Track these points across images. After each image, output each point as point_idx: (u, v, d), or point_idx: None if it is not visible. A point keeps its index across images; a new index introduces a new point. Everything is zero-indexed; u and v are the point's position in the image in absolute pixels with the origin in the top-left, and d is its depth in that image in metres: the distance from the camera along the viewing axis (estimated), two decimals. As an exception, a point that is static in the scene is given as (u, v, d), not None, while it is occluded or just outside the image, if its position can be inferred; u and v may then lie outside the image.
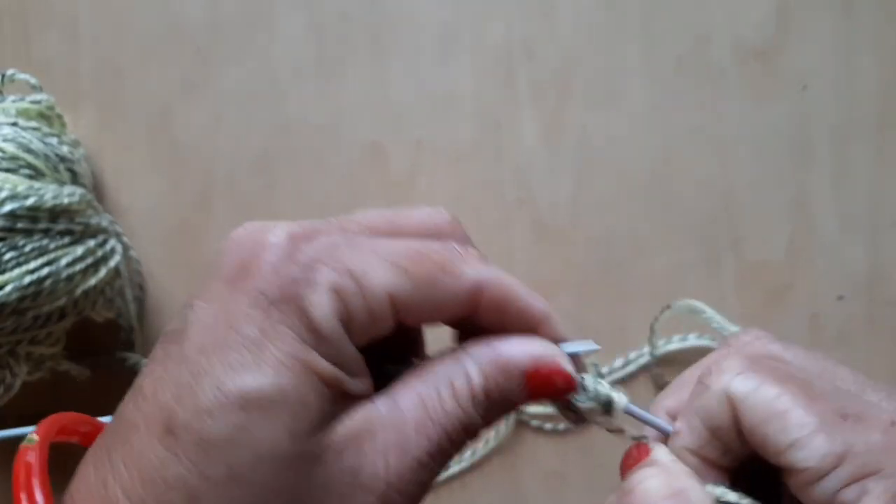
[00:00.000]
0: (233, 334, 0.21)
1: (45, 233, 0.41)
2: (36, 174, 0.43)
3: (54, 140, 0.45)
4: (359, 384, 0.23)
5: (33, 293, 0.40)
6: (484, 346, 0.24)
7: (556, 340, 0.25)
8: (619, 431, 0.27)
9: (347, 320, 0.22)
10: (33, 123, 0.45)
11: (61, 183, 0.44)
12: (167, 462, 0.20)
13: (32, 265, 0.40)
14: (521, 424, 0.49)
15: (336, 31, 0.50)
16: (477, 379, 0.24)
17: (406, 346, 0.27)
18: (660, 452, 0.27)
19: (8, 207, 0.40)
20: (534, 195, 0.49)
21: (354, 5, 0.50)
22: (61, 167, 0.45)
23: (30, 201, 0.41)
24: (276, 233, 0.23)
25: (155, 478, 0.21)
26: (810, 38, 0.48)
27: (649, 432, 0.29)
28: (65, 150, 0.45)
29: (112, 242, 0.46)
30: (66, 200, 0.42)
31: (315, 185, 0.50)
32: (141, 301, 0.50)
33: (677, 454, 0.27)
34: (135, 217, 0.50)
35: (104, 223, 0.46)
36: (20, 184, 0.41)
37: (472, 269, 0.24)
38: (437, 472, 0.23)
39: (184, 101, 0.50)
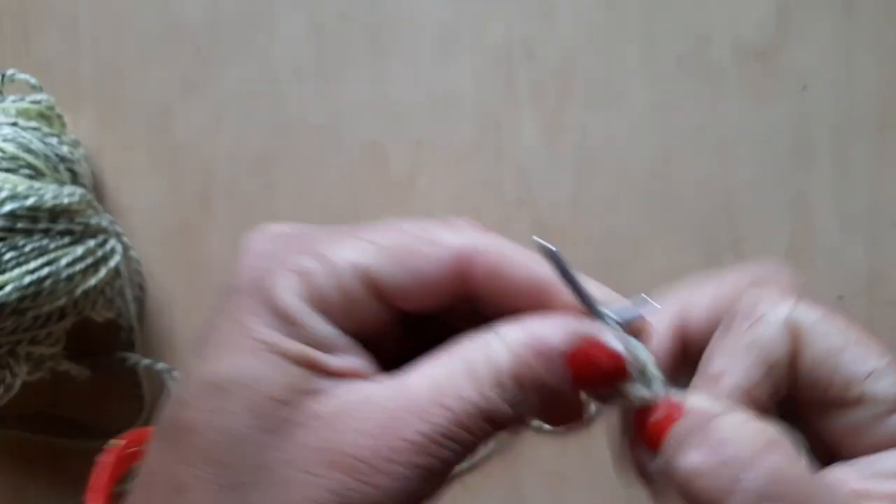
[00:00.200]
0: (212, 332, 0.22)
1: (45, 233, 0.41)
2: (36, 174, 0.43)
3: (54, 140, 0.45)
4: (341, 361, 0.22)
5: (33, 293, 0.40)
6: (515, 324, 0.22)
7: (589, 306, 0.23)
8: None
9: (318, 300, 0.22)
10: (33, 123, 0.45)
11: (61, 183, 0.44)
12: (159, 456, 0.22)
13: (32, 265, 0.40)
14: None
15: (336, 31, 0.50)
16: (505, 363, 0.22)
17: None
18: (699, 400, 0.23)
19: (8, 207, 0.40)
20: (534, 195, 0.49)
21: (354, 5, 0.50)
22: (61, 167, 0.45)
23: (30, 201, 0.41)
24: (258, 236, 0.23)
25: (152, 471, 0.22)
26: (810, 38, 0.48)
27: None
28: (65, 150, 0.45)
29: (112, 242, 0.46)
30: (66, 200, 0.42)
31: (315, 185, 0.50)
32: (141, 301, 0.50)
33: (721, 397, 0.23)
34: (135, 217, 0.50)
35: (104, 223, 0.46)
36: (20, 184, 0.41)
37: (457, 236, 0.23)
38: (447, 459, 0.21)
39: (184, 101, 0.50)
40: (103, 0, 0.51)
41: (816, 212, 0.48)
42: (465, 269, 0.23)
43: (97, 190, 0.50)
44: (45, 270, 0.41)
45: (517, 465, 0.49)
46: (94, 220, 0.44)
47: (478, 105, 0.49)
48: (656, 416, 0.22)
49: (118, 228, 0.48)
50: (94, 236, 0.44)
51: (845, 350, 0.23)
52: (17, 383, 0.44)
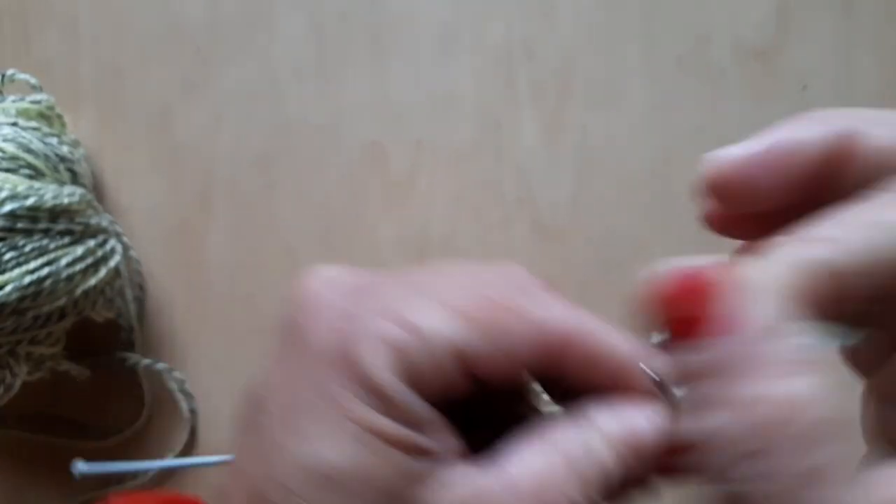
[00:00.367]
0: (301, 402, 0.20)
1: (45, 233, 0.41)
2: (36, 174, 0.43)
3: (54, 140, 0.45)
4: (438, 443, 0.20)
5: (33, 293, 0.40)
6: (613, 417, 0.21)
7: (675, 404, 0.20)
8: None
9: (411, 375, 0.20)
10: (33, 123, 0.45)
11: (61, 183, 0.44)
12: None
13: (32, 265, 0.40)
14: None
15: (336, 31, 0.50)
16: (613, 465, 0.20)
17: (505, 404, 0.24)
18: (767, 304, 0.16)
19: (8, 207, 0.40)
20: (534, 195, 0.49)
21: (354, 5, 0.50)
22: (61, 167, 0.45)
23: (30, 201, 0.41)
24: (318, 284, 0.22)
25: None
26: (810, 38, 0.48)
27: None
28: (65, 150, 0.45)
29: (112, 242, 0.46)
30: (66, 200, 0.42)
31: (315, 185, 0.50)
32: (141, 301, 0.50)
33: (811, 276, 0.17)
34: (135, 217, 0.50)
35: (104, 223, 0.46)
36: (20, 184, 0.41)
37: (548, 312, 0.21)
38: None
39: (184, 101, 0.50)
40: (103, 0, 0.51)
41: (816, 212, 0.48)
42: (556, 351, 0.21)
43: (97, 190, 0.50)
44: (45, 270, 0.41)
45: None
46: (94, 220, 0.44)
47: (478, 105, 0.49)
48: (693, 304, 0.17)
49: (118, 228, 0.48)
50: (94, 236, 0.44)
51: None
52: (17, 383, 0.44)
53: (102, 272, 0.44)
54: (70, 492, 0.49)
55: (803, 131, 0.21)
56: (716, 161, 0.22)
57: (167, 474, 0.50)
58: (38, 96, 0.47)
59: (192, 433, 0.50)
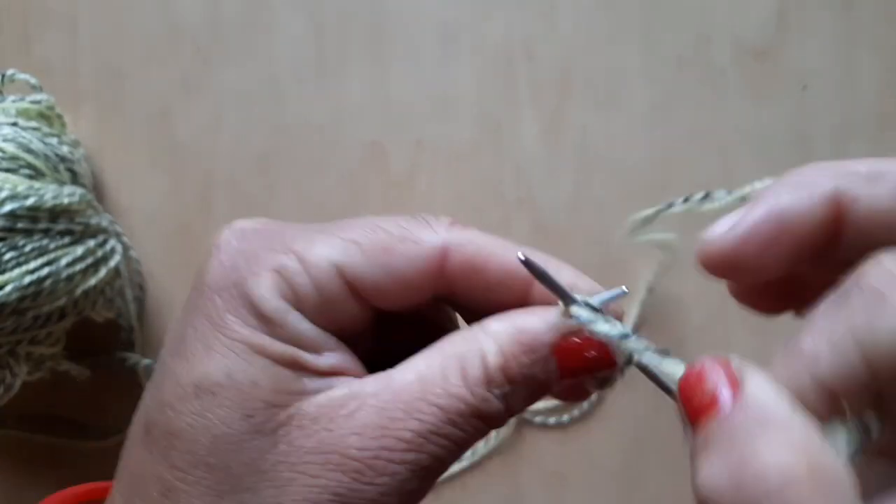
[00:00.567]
0: (189, 331, 0.22)
1: (45, 233, 0.41)
2: (36, 174, 0.43)
3: (54, 140, 0.45)
4: (326, 360, 0.22)
5: (33, 293, 0.40)
6: (501, 319, 0.22)
7: (566, 299, 0.22)
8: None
9: (296, 298, 0.22)
10: (33, 123, 0.45)
11: (61, 183, 0.44)
12: (144, 459, 0.22)
13: (32, 265, 0.40)
14: (523, 422, 0.49)
15: (336, 31, 0.50)
16: (494, 359, 0.21)
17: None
18: (761, 387, 0.18)
19: (8, 207, 0.40)
20: (534, 195, 0.49)
21: (354, 5, 0.50)
22: (61, 167, 0.45)
23: (30, 201, 0.41)
24: (229, 233, 0.23)
25: (137, 475, 0.22)
26: (810, 38, 0.48)
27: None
28: (65, 150, 0.45)
29: (112, 242, 0.46)
30: (66, 200, 0.42)
31: (315, 185, 0.50)
32: (141, 301, 0.50)
33: (798, 387, 0.18)
34: (135, 217, 0.50)
35: (104, 223, 0.46)
36: (20, 184, 0.41)
37: (435, 235, 0.23)
38: (439, 456, 0.21)
39: (184, 101, 0.50)
40: (103, 0, 0.51)
41: (816, 212, 0.48)
42: (441, 267, 0.23)
43: (97, 190, 0.50)
44: (45, 270, 0.41)
45: (517, 465, 0.49)
46: (94, 220, 0.44)
47: (478, 105, 0.49)
48: (703, 394, 0.18)
49: (118, 228, 0.48)
50: (94, 236, 0.44)
51: None
52: (17, 383, 0.44)
53: (102, 272, 0.44)
54: (70, 492, 0.49)
55: (792, 200, 0.21)
56: (708, 242, 0.23)
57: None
58: (38, 96, 0.47)
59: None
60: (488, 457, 0.49)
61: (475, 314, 0.24)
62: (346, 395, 0.21)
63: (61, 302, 0.42)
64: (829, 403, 0.18)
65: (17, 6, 0.51)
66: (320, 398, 0.21)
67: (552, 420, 0.49)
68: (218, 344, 0.21)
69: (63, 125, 0.48)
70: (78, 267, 0.42)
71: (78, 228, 0.43)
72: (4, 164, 0.42)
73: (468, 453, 0.48)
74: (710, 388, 0.18)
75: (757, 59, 0.48)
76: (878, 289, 0.18)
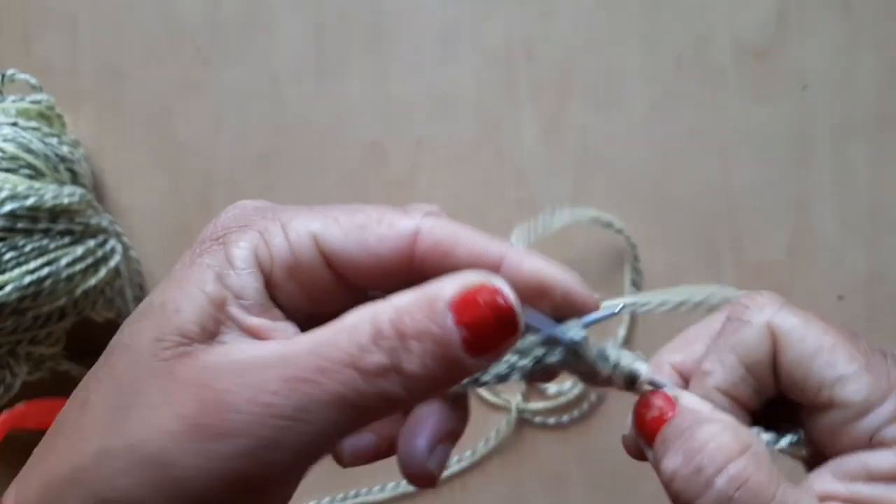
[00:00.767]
0: (177, 280, 0.23)
1: (45, 233, 0.41)
2: (36, 174, 0.43)
3: (54, 140, 0.45)
4: (253, 320, 0.23)
5: (33, 293, 0.40)
6: (410, 290, 0.22)
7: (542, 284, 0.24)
8: (634, 390, 0.26)
9: (269, 259, 0.23)
10: (33, 123, 0.45)
11: (61, 183, 0.44)
12: (86, 376, 0.24)
13: (32, 265, 0.40)
14: (523, 422, 0.49)
15: (336, 31, 0.50)
16: (385, 314, 0.21)
17: None
18: (690, 399, 0.25)
19: (8, 207, 0.40)
20: (534, 195, 0.49)
21: (354, 5, 0.50)
22: (61, 167, 0.45)
23: (30, 201, 0.41)
24: (232, 207, 0.25)
25: (76, 391, 0.24)
26: (810, 38, 0.48)
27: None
28: (65, 150, 0.45)
29: (112, 242, 0.46)
30: (66, 200, 0.42)
31: (315, 185, 0.50)
32: (141, 301, 0.50)
33: (707, 395, 0.26)
34: (135, 217, 0.50)
35: (104, 223, 0.46)
36: (20, 184, 0.41)
37: (410, 220, 0.24)
38: (311, 410, 0.21)
39: (184, 101, 0.50)
40: (103, 0, 0.51)
41: (816, 211, 0.48)
42: (412, 249, 0.24)
43: (97, 190, 0.50)
44: (45, 270, 0.41)
45: (517, 465, 0.49)
46: (94, 220, 0.44)
47: (478, 105, 0.49)
48: (651, 412, 0.25)
49: (118, 228, 0.48)
50: (94, 236, 0.44)
51: (818, 355, 0.25)
52: (17, 383, 0.44)
53: (102, 272, 0.44)
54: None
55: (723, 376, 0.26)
56: (624, 441, 0.28)
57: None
58: (38, 96, 0.47)
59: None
60: (488, 457, 0.49)
61: None
62: (243, 347, 0.22)
63: (61, 302, 0.42)
64: (731, 404, 0.26)
65: (17, 6, 0.51)
66: (224, 347, 0.22)
67: (552, 420, 0.49)
68: (178, 277, 0.23)
69: (63, 125, 0.48)
70: (78, 267, 0.42)
71: (78, 228, 0.43)
72: (4, 164, 0.42)
73: (468, 453, 0.48)
74: (656, 407, 0.25)
75: (757, 59, 0.48)
76: (744, 315, 0.26)
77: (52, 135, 0.45)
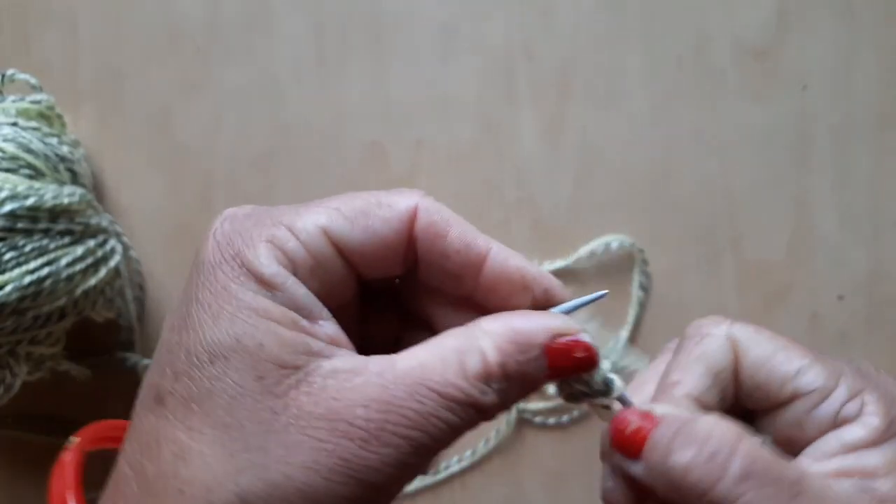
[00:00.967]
0: (194, 305, 0.23)
1: (45, 233, 0.41)
2: (36, 174, 0.43)
3: (54, 140, 0.45)
4: (323, 328, 0.23)
5: (33, 293, 0.40)
6: (496, 320, 0.24)
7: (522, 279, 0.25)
8: (605, 408, 0.27)
9: (290, 263, 0.23)
10: (33, 123, 0.45)
11: (61, 183, 0.44)
12: (156, 426, 0.23)
13: (32, 265, 0.40)
14: (523, 422, 0.49)
15: (336, 31, 0.50)
16: (493, 355, 0.23)
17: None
18: (665, 408, 0.27)
19: (8, 207, 0.40)
20: (534, 195, 0.49)
21: (354, 5, 0.50)
22: (61, 167, 0.45)
23: (30, 201, 0.41)
24: (223, 219, 0.25)
25: (147, 441, 0.23)
26: (810, 38, 0.48)
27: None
28: (65, 150, 0.45)
29: (112, 242, 0.46)
30: (66, 200, 0.42)
31: (315, 185, 0.50)
32: (141, 301, 0.50)
33: (677, 405, 0.27)
34: (135, 217, 0.50)
35: (104, 223, 0.46)
36: (20, 184, 0.41)
37: (408, 199, 0.25)
38: (438, 438, 0.23)
39: (184, 101, 0.50)
40: (103, 0, 0.51)
41: (816, 211, 0.48)
42: (411, 227, 0.25)
43: (97, 190, 0.50)
44: (45, 270, 0.41)
45: (517, 465, 0.49)
46: (94, 220, 0.44)
47: (478, 105, 0.49)
48: (630, 426, 0.26)
49: (118, 228, 0.48)
50: (94, 236, 0.44)
51: (775, 354, 0.27)
52: (17, 383, 0.44)
53: (102, 272, 0.44)
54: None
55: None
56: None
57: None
58: (38, 96, 0.47)
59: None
60: (488, 457, 0.49)
61: (438, 302, 0.27)
62: (351, 368, 0.23)
63: (61, 302, 0.42)
64: (699, 410, 0.27)
65: (17, 6, 0.51)
66: (326, 366, 0.23)
67: (552, 420, 0.49)
68: (223, 312, 0.23)
69: (63, 125, 0.48)
70: (78, 267, 0.42)
71: (78, 228, 0.43)
72: (4, 164, 0.42)
73: (468, 453, 0.48)
74: (634, 421, 0.26)
75: (757, 59, 0.48)
76: (702, 331, 0.28)
77: (52, 135, 0.45)
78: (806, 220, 0.48)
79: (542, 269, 0.26)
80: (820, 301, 0.48)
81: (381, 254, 0.25)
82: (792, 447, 0.27)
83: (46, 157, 0.44)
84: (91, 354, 0.49)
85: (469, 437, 0.24)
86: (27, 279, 0.40)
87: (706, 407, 0.27)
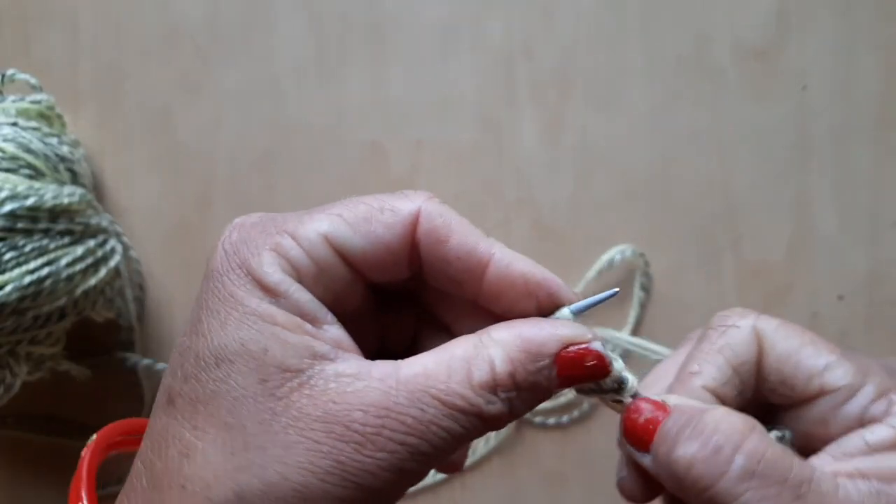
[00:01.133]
0: (204, 312, 0.24)
1: (45, 233, 0.41)
2: (36, 174, 0.43)
3: (54, 140, 0.45)
4: (328, 333, 0.24)
5: (33, 293, 0.40)
6: (506, 329, 0.24)
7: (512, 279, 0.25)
8: (618, 403, 0.27)
9: (294, 270, 0.24)
10: (33, 123, 0.45)
11: (61, 183, 0.44)
12: (167, 425, 0.24)
13: (32, 265, 0.40)
14: (523, 422, 0.49)
15: (336, 31, 0.50)
16: (502, 365, 0.23)
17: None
18: (679, 399, 0.26)
19: (8, 207, 0.40)
20: (534, 195, 0.49)
21: (354, 5, 0.50)
22: (61, 167, 0.45)
23: (30, 201, 0.41)
24: (231, 228, 0.25)
25: (158, 440, 0.24)
26: (810, 38, 0.48)
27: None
28: (65, 150, 0.45)
29: (112, 242, 0.46)
30: (66, 200, 0.42)
31: (315, 185, 0.50)
32: (141, 301, 0.50)
33: (695, 395, 0.27)
34: (135, 217, 0.50)
35: (104, 223, 0.46)
36: (20, 184, 0.41)
37: (411, 203, 0.25)
38: (439, 447, 0.23)
39: (184, 101, 0.50)
40: (103, 0, 0.51)
41: (816, 211, 0.48)
42: (414, 232, 0.25)
43: (97, 190, 0.50)
44: (45, 270, 0.41)
45: (517, 465, 0.49)
46: (94, 220, 0.44)
47: (478, 105, 0.49)
48: (642, 417, 0.26)
49: (118, 228, 0.48)
50: (94, 236, 0.44)
51: (803, 349, 0.27)
52: (17, 383, 0.44)
53: (102, 272, 0.44)
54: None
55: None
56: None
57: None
58: (38, 96, 0.47)
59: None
60: (488, 457, 0.49)
61: (453, 305, 0.27)
62: (354, 372, 0.23)
63: (61, 302, 0.42)
64: (717, 404, 0.27)
65: (17, 6, 0.51)
66: (329, 370, 0.23)
67: (552, 420, 0.49)
68: (230, 318, 0.23)
69: (63, 125, 0.48)
70: (78, 267, 0.42)
71: (78, 228, 0.43)
72: (4, 164, 0.42)
73: (468, 453, 0.48)
74: (647, 410, 0.26)
75: (757, 59, 0.48)
76: (728, 322, 0.28)
77: (52, 135, 0.45)
78: (806, 220, 0.48)
79: (547, 272, 0.26)
80: (820, 301, 0.48)
81: (385, 259, 0.25)
82: (814, 443, 0.26)
83: (46, 157, 0.44)
84: (91, 354, 0.49)
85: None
86: (27, 279, 0.40)
87: (723, 399, 0.27)
